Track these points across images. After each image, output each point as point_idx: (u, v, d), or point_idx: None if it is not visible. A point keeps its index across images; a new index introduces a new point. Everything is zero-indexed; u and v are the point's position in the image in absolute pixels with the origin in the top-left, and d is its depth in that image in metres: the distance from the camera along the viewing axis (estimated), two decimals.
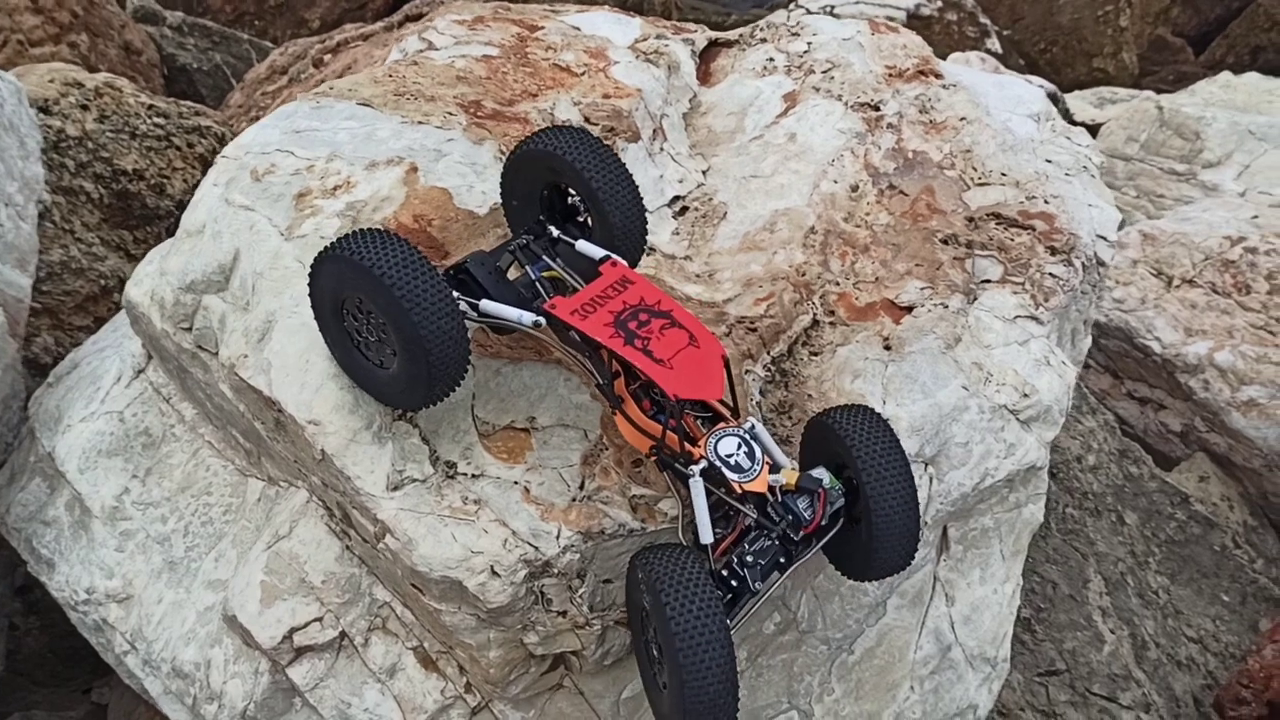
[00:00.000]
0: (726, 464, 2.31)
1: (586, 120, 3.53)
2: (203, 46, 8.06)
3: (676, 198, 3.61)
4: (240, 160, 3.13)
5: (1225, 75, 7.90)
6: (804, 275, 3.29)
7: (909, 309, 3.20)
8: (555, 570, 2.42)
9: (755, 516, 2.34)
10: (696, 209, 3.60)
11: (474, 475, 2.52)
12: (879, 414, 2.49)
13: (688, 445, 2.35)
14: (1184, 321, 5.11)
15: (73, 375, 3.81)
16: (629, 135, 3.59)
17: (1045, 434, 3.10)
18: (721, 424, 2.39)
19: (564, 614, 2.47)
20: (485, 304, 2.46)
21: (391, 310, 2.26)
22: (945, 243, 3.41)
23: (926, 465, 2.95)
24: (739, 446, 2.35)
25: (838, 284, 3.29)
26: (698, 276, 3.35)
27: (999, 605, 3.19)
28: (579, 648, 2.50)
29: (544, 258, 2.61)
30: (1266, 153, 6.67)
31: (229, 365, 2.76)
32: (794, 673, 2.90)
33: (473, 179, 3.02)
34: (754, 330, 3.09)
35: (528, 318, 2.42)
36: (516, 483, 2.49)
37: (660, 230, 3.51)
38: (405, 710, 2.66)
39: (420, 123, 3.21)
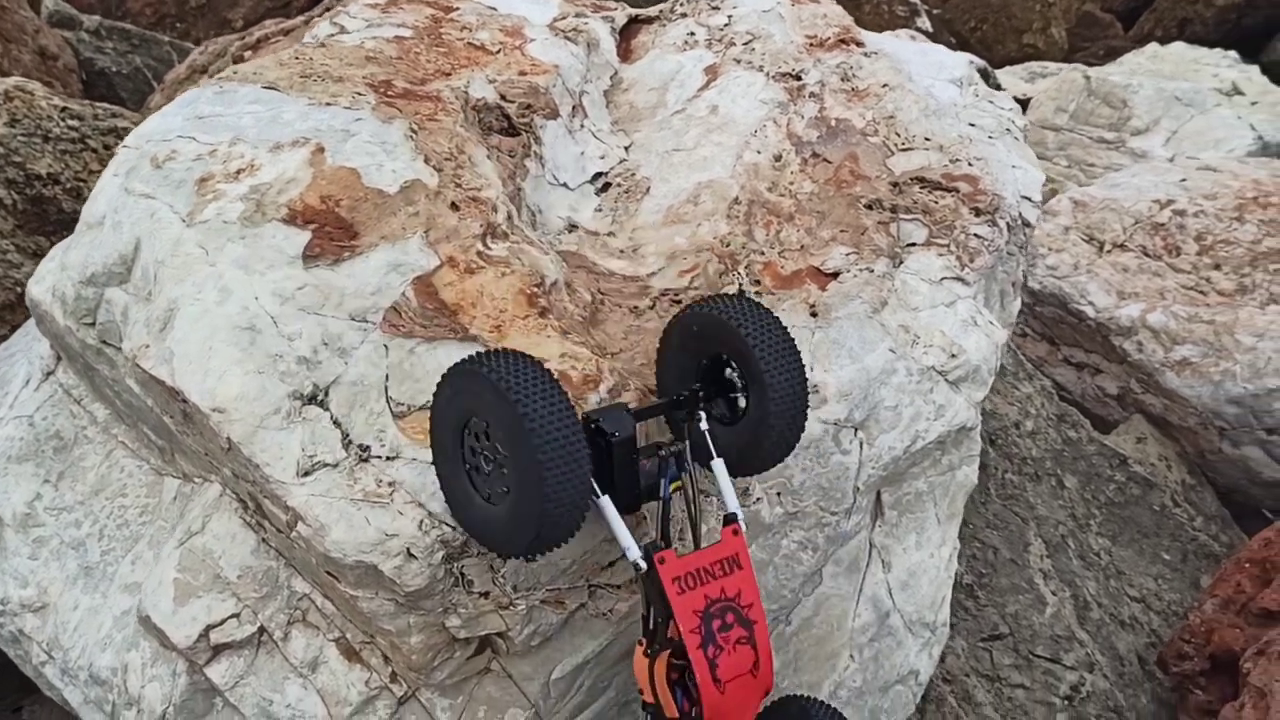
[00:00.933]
0: None
1: (503, 98, 3.46)
2: (122, 50, 7.89)
3: (599, 174, 3.55)
4: (140, 149, 3.03)
5: (1152, 46, 8.00)
6: (728, 246, 3.24)
7: (834, 275, 3.16)
8: (475, 550, 2.35)
9: None
10: (619, 185, 3.54)
11: (388, 458, 2.44)
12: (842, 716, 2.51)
13: None
14: (1116, 285, 5.12)
15: None
16: (547, 112, 3.52)
17: (974, 394, 3.07)
18: None
19: (486, 595, 2.40)
20: (605, 505, 2.31)
21: (516, 437, 2.12)
22: (869, 208, 3.37)
23: (856, 430, 2.91)
24: None
25: (763, 253, 3.24)
26: (621, 252, 3.29)
27: (936, 569, 3.15)
28: (504, 629, 2.43)
29: (680, 467, 2.46)
30: (1193, 118, 6.73)
31: (132, 358, 2.65)
32: None
33: (382, 158, 2.93)
34: (678, 302, 3.03)
35: (634, 553, 2.30)
36: (433, 464, 2.40)
37: (583, 208, 3.45)
38: (329, 704, 2.58)
39: (328, 104, 3.12)
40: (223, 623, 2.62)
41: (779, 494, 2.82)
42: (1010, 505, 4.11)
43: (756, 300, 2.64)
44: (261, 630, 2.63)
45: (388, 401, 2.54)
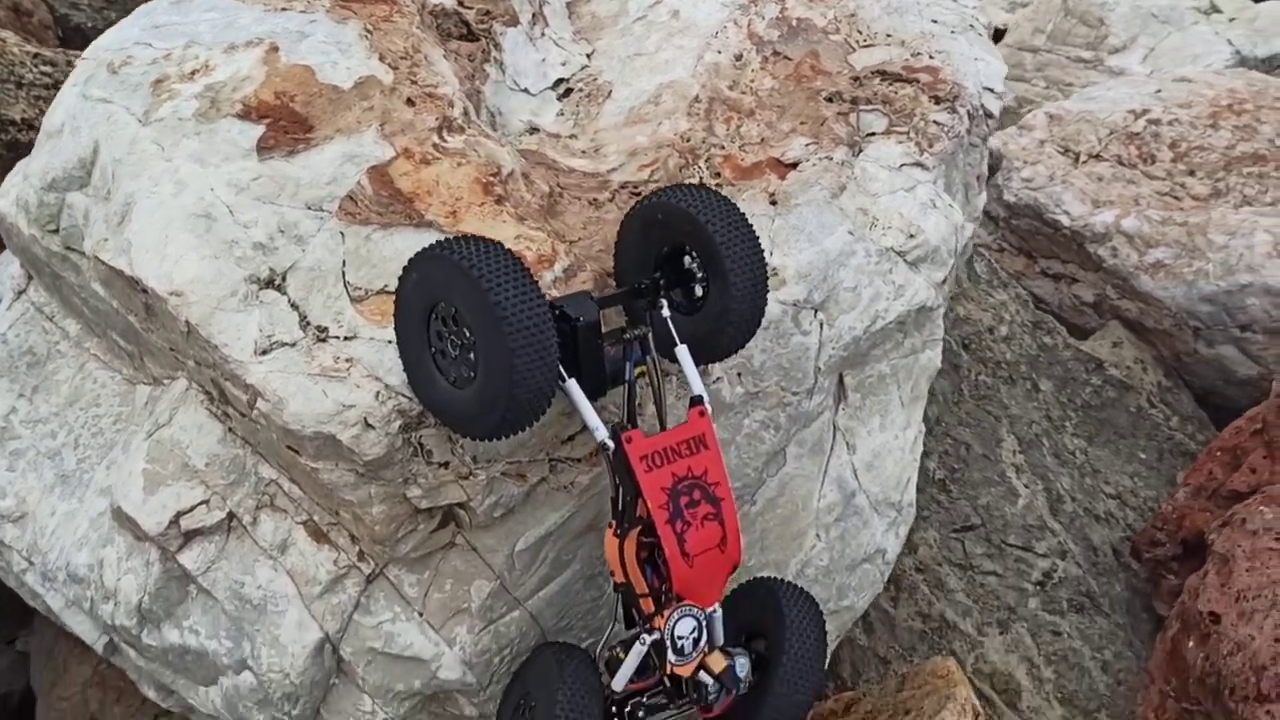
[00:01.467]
0: (674, 645, 2.38)
1: (461, 4, 3.47)
2: (97, 6, 7.87)
3: (560, 80, 3.56)
4: (97, 59, 3.05)
5: None
6: (689, 141, 3.25)
7: (794, 165, 3.18)
8: (432, 421, 2.38)
9: (668, 686, 2.46)
10: (581, 89, 3.56)
11: (346, 338, 2.47)
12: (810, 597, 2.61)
13: (652, 610, 2.39)
14: (1091, 194, 5.13)
15: None
16: (506, 19, 3.53)
17: (934, 274, 3.10)
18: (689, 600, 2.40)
19: (446, 465, 2.43)
20: (572, 388, 2.34)
21: (485, 321, 2.14)
22: (830, 100, 3.38)
23: (816, 311, 2.94)
24: (692, 631, 2.39)
25: (723, 147, 3.25)
26: (583, 152, 3.30)
27: (901, 451, 3.19)
28: (465, 500, 2.47)
29: (645, 351, 2.51)
30: (1170, 35, 6.72)
31: (93, 254, 2.68)
32: None
33: (337, 56, 2.95)
34: (638, 195, 3.05)
35: (602, 433, 2.34)
36: (390, 342, 2.43)
37: (545, 113, 3.46)
38: (299, 584, 2.62)
39: (283, 9, 3.13)
40: (192, 509, 2.67)
41: (739, 374, 2.85)
42: (983, 405, 4.14)
43: (717, 190, 2.66)
44: (230, 516, 2.67)
45: (345, 286, 2.56)
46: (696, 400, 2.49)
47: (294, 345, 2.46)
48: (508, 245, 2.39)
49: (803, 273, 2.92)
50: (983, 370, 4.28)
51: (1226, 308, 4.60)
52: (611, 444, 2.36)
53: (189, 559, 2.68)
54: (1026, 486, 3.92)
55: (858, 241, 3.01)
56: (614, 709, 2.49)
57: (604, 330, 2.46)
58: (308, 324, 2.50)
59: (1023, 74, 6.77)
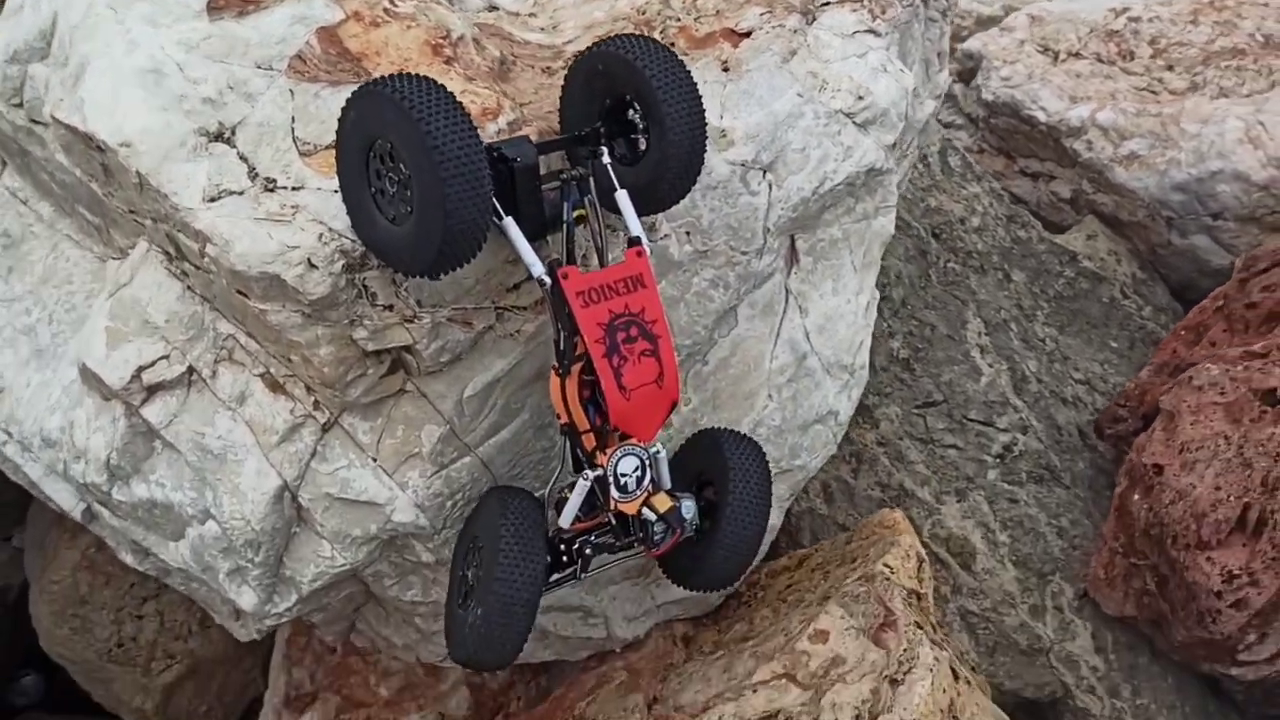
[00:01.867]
0: (616, 482, 2.47)
1: None
2: None
3: None
4: None
5: None
6: (644, 14, 3.28)
7: (748, 34, 3.20)
8: (375, 263, 2.45)
9: (614, 525, 2.56)
10: None
11: (293, 188, 2.54)
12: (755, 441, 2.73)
13: (594, 449, 2.48)
14: (1068, 90, 5.13)
15: None
16: None
17: (884, 137, 3.13)
18: (633, 440, 2.48)
19: (390, 308, 2.50)
20: (509, 225, 2.40)
21: (420, 157, 2.18)
22: None
23: (765, 172, 2.98)
24: (635, 469, 2.49)
25: (679, 19, 3.27)
26: (541, 29, 3.33)
27: (854, 315, 3.24)
28: (411, 343, 2.54)
29: (583, 194, 2.55)
30: None
31: (51, 115, 2.74)
32: None
33: None
34: None
35: (538, 269, 2.40)
36: (336, 192, 2.50)
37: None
38: (257, 433, 2.70)
39: None
40: (153, 364, 2.74)
41: (688, 233, 2.90)
42: (951, 290, 4.18)
43: (660, 41, 2.69)
44: (190, 370, 2.75)
45: (294, 141, 2.62)
46: (634, 241, 2.54)
47: (242, 194, 2.52)
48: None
49: (751, 134, 2.96)
50: (952, 259, 4.32)
51: (1198, 195, 4.61)
52: (548, 279, 2.42)
53: (152, 413, 2.76)
54: (990, 366, 3.97)
55: (806, 104, 3.04)
56: (563, 547, 2.58)
57: (543, 174, 2.51)
58: (256, 175, 2.56)
59: None
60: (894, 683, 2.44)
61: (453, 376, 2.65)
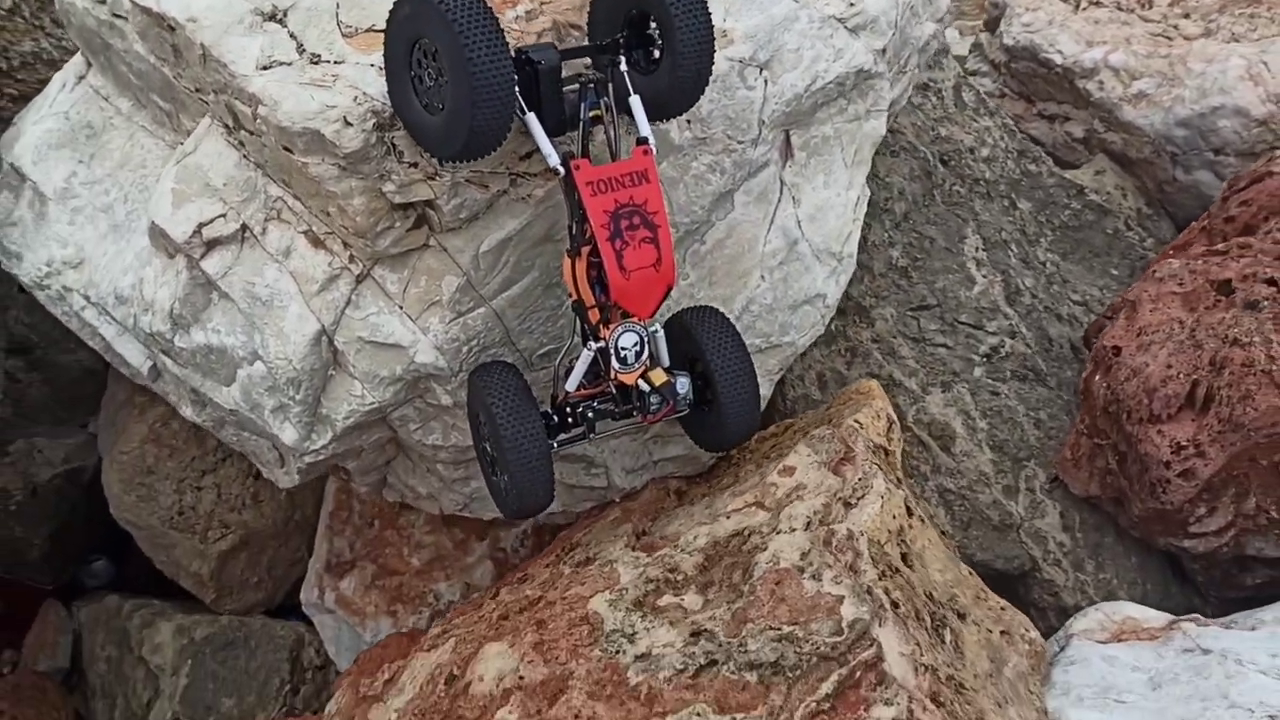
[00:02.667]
0: (617, 354, 2.80)
1: None
2: None
3: None
4: None
5: None
6: None
7: None
8: (402, 124, 2.80)
9: (614, 394, 2.89)
10: None
11: (336, 61, 2.90)
12: (728, 319, 3.03)
13: (598, 324, 2.80)
14: (1085, 35, 5.35)
15: (25, 107, 4.24)
16: None
17: (873, 42, 3.42)
18: (634, 318, 2.80)
19: (415, 165, 2.85)
20: (531, 120, 2.72)
21: (457, 57, 2.52)
22: None
23: (761, 69, 3.29)
24: (634, 344, 2.81)
25: None
26: None
27: (843, 207, 3.54)
28: (433, 198, 2.89)
29: (600, 96, 2.85)
30: None
31: (130, 2, 3.14)
32: None
33: None
34: None
35: (554, 160, 2.72)
36: (373, 65, 2.86)
37: None
38: (300, 282, 3.07)
39: None
40: (212, 221, 3.13)
41: (688, 121, 3.22)
42: (954, 210, 4.44)
43: None
44: (244, 227, 3.13)
45: (338, 24, 2.99)
46: (642, 141, 2.86)
47: (290, 64, 2.89)
48: None
49: (749, 34, 3.27)
50: (958, 183, 4.58)
51: (1200, 131, 4.81)
52: (562, 170, 2.75)
53: (210, 265, 3.15)
54: (985, 277, 4.23)
55: (802, 9, 3.34)
56: (568, 409, 2.94)
57: (564, 77, 2.84)
58: (303, 50, 2.93)
59: None
60: (847, 504, 2.74)
61: (470, 233, 3.00)
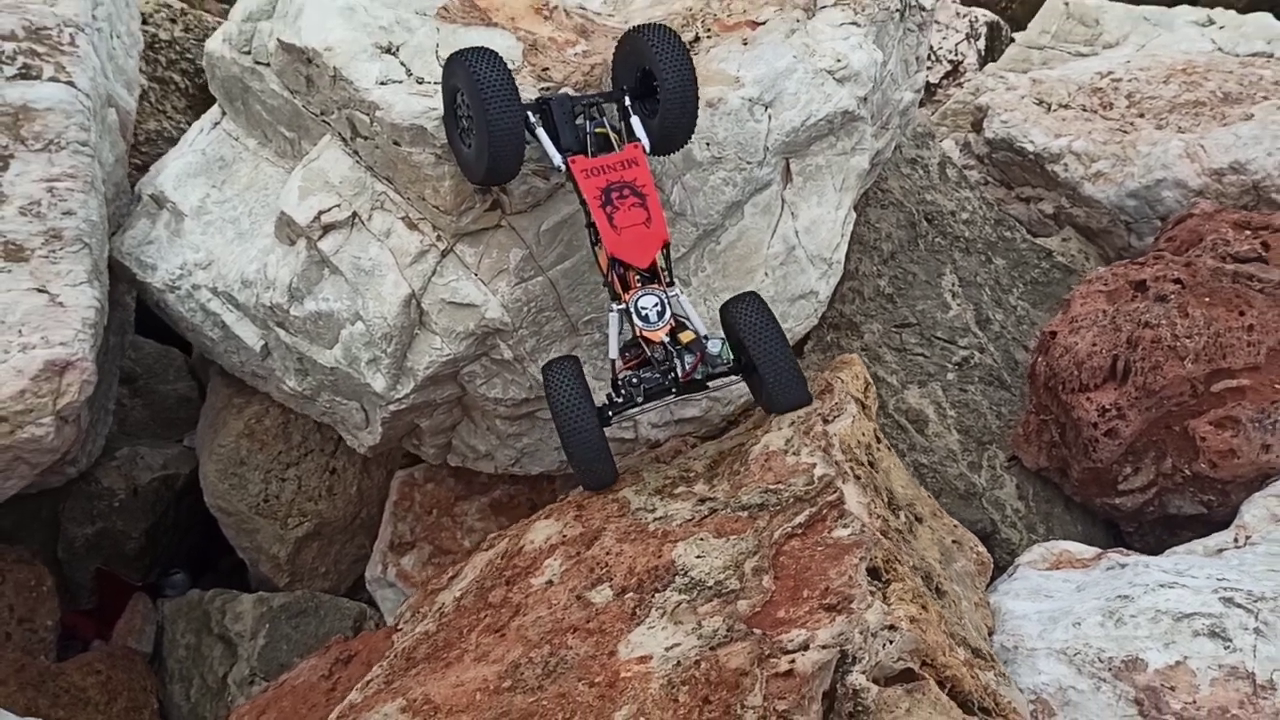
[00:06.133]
0: (638, 313, 3.32)
1: None
2: None
3: None
4: None
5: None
6: (691, 11, 4.53)
7: (763, 23, 4.42)
8: None
9: (650, 354, 3.37)
10: None
11: (435, 83, 3.78)
12: (763, 300, 3.49)
13: (620, 290, 3.37)
14: (1054, 129, 6.23)
15: (167, 151, 5.17)
16: None
17: (857, 90, 4.28)
18: (654, 285, 3.35)
19: None
20: (541, 134, 3.46)
21: (478, 104, 3.27)
22: None
23: (766, 107, 4.14)
24: (654, 305, 3.32)
25: (715, 15, 4.52)
26: (618, 25, 4.60)
27: (833, 223, 4.34)
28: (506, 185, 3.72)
29: (603, 117, 3.56)
30: (1160, 35, 7.79)
31: (275, 39, 4.04)
32: (675, 251, 4.06)
33: None
34: None
35: (558, 159, 3.42)
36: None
37: (590, 4, 4.78)
38: (396, 256, 3.88)
39: None
40: (329, 209, 3.97)
41: (708, 144, 4.06)
42: (935, 255, 5.23)
43: (667, 26, 3.75)
44: (354, 215, 3.96)
45: (437, 57, 3.88)
46: (633, 139, 3.60)
47: (401, 82, 3.78)
48: (544, 38, 3.69)
49: (757, 80, 4.14)
50: (940, 237, 5.38)
51: (1148, 200, 5.62)
52: (564, 166, 3.51)
53: (326, 244, 3.97)
54: (959, 305, 4.98)
55: (799, 63, 4.22)
56: (619, 383, 3.43)
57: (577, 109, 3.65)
58: (410, 74, 3.82)
59: (1030, 66, 7.89)
60: (825, 419, 3.44)
61: (533, 216, 3.82)
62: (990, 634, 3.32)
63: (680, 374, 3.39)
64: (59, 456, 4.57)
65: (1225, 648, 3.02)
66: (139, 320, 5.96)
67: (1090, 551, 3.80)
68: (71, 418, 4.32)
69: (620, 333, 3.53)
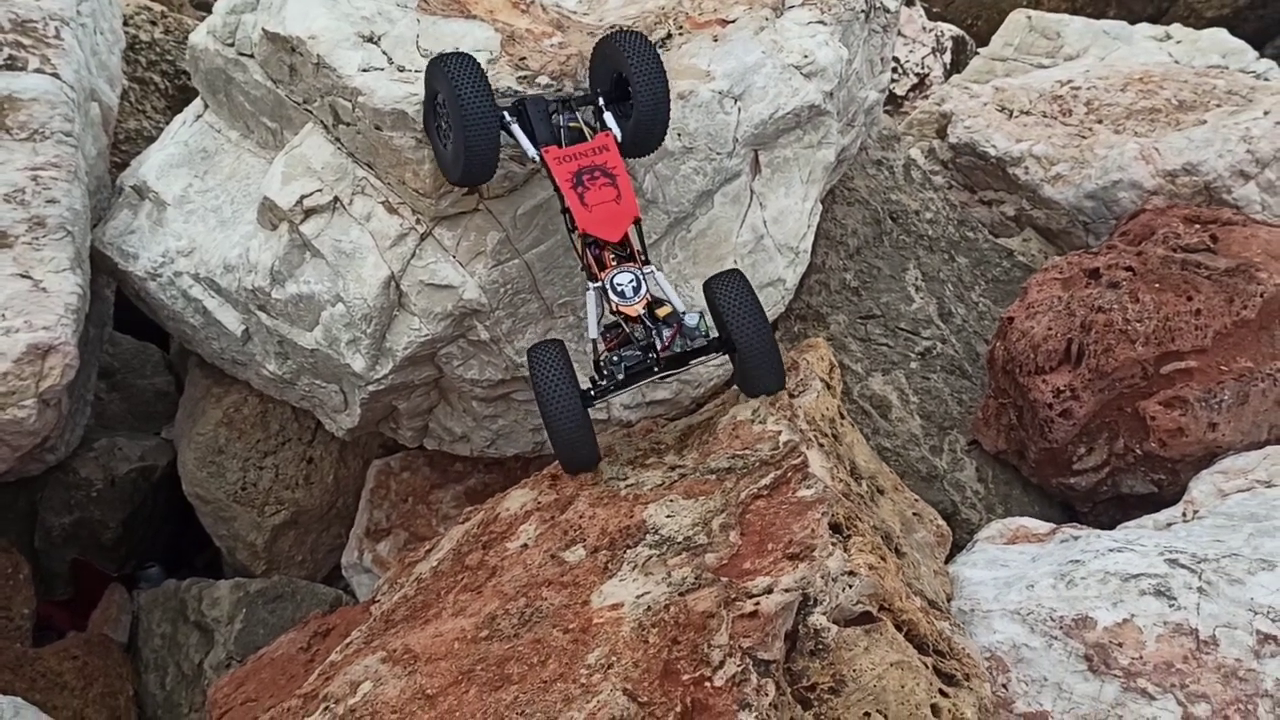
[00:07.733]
0: (614, 289, 3.38)
1: None
2: None
3: None
4: None
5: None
6: (664, 9, 4.68)
7: (733, 20, 4.57)
8: None
9: (628, 330, 3.40)
10: None
11: (416, 71, 3.91)
12: (745, 278, 3.50)
13: (595, 269, 3.43)
14: (1015, 134, 6.42)
15: (147, 147, 5.26)
16: None
17: (823, 85, 4.43)
18: (629, 263, 3.42)
19: None
20: (515, 128, 3.57)
21: (455, 110, 3.40)
22: None
23: (735, 100, 4.29)
24: (630, 281, 3.37)
25: (687, 14, 4.67)
26: (593, 23, 4.75)
27: (800, 214, 4.49)
28: None
29: (575, 113, 3.69)
30: (1120, 48, 8.03)
31: (260, 29, 4.16)
32: (647, 238, 4.19)
33: None
34: None
35: (532, 151, 3.54)
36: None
37: (566, 3, 4.92)
38: (376, 239, 4.00)
39: None
40: (311, 194, 4.08)
41: (679, 134, 4.20)
42: (899, 251, 5.39)
43: (642, 33, 3.87)
44: (335, 199, 4.07)
45: (418, 47, 4.01)
46: (605, 129, 3.72)
47: (383, 70, 3.90)
48: (521, 29, 3.82)
49: (727, 74, 4.29)
50: (905, 235, 5.54)
51: (1104, 201, 5.81)
52: (538, 157, 3.63)
53: (308, 228, 4.08)
54: (922, 298, 5.14)
55: (768, 59, 4.37)
56: (600, 364, 3.48)
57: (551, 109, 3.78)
58: (392, 62, 3.94)
59: (994, 78, 8.10)
60: (791, 395, 3.58)
61: (510, 200, 3.94)
62: (949, 600, 3.45)
63: (659, 346, 3.38)
64: (39, 441, 4.64)
65: (1170, 606, 3.16)
66: (117, 317, 6.06)
67: (1046, 527, 3.94)
68: (53, 401, 4.40)
69: (599, 312, 3.56)
